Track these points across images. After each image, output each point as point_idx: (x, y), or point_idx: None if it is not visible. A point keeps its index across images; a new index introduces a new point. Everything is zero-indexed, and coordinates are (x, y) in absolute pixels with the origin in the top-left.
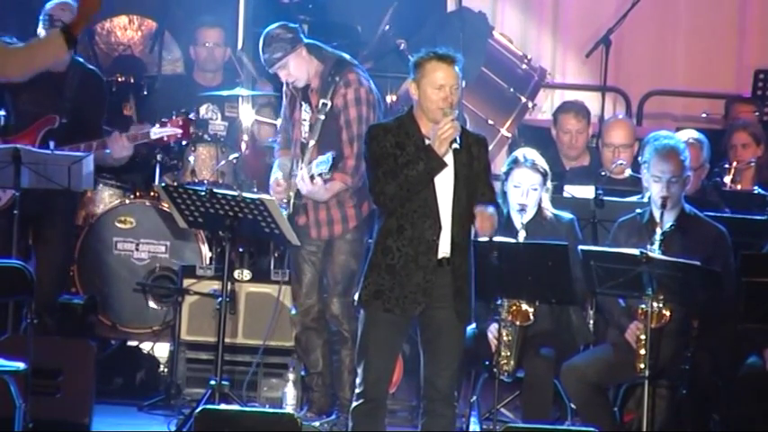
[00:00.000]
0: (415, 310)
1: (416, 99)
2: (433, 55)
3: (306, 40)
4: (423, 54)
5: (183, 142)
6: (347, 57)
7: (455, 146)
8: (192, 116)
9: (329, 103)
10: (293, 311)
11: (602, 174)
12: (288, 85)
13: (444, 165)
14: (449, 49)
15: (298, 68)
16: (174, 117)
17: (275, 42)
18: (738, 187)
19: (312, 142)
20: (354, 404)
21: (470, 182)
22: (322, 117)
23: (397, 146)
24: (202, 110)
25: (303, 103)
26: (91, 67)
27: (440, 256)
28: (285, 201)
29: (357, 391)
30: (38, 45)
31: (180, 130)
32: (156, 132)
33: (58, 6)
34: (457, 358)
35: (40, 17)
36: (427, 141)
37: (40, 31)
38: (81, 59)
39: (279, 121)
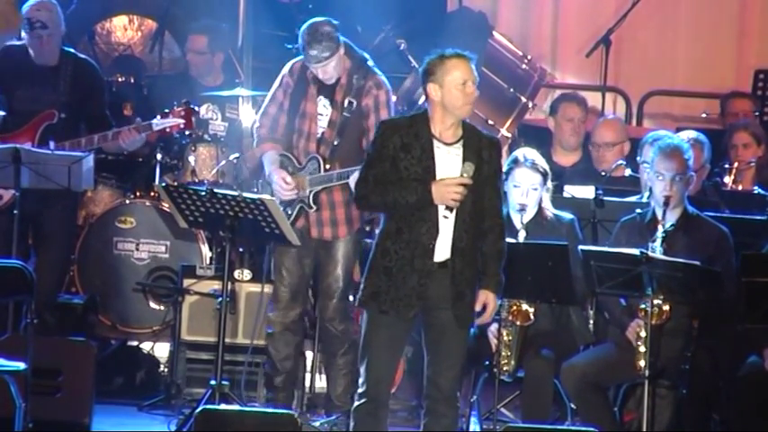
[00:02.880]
0: (410, 312)
1: (437, 100)
2: (452, 54)
3: (342, 39)
4: (439, 54)
5: (187, 132)
6: (367, 56)
7: (446, 213)
8: (194, 107)
9: (355, 102)
10: (270, 312)
11: (603, 173)
12: (293, 74)
13: (432, 206)
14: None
15: (336, 67)
16: (175, 108)
17: (326, 41)
18: (739, 187)
19: (338, 141)
20: (356, 404)
21: (477, 186)
22: (348, 115)
23: (402, 148)
24: (203, 110)
25: (323, 97)
26: (83, 56)
27: (438, 259)
28: (300, 198)
29: (359, 390)
30: None
31: (182, 120)
32: (159, 123)
33: (33, 8)
34: (460, 360)
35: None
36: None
37: (23, 35)
38: (72, 50)
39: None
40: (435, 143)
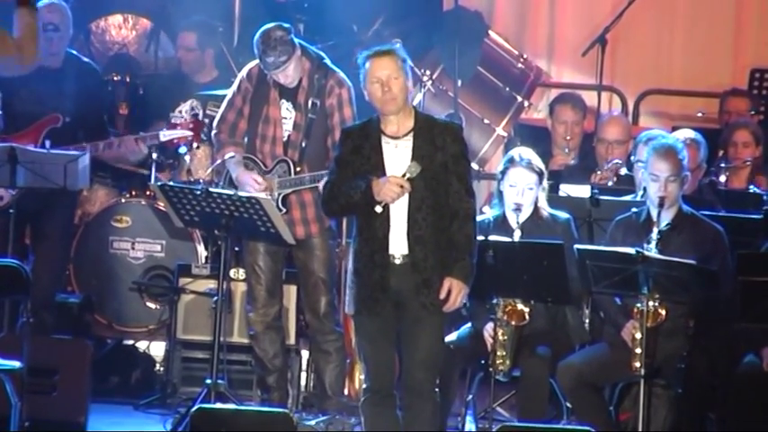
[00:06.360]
0: (377, 307)
1: (369, 100)
2: (369, 53)
3: (296, 40)
4: (361, 56)
5: (194, 144)
6: (324, 55)
7: (378, 207)
8: (200, 117)
9: (318, 102)
10: (250, 314)
11: (597, 172)
12: (251, 79)
13: (376, 204)
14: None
15: (296, 69)
16: (184, 119)
17: (280, 46)
18: (726, 182)
19: (305, 143)
20: (362, 399)
21: (433, 173)
22: (313, 116)
23: (353, 151)
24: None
25: (285, 101)
26: (86, 60)
27: (397, 253)
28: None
29: (364, 386)
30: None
31: (190, 133)
32: (166, 135)
33: (45, 9)
34: (433, 351)
35: None
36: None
37: None
38: (75, 52)
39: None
40: (384, 139)
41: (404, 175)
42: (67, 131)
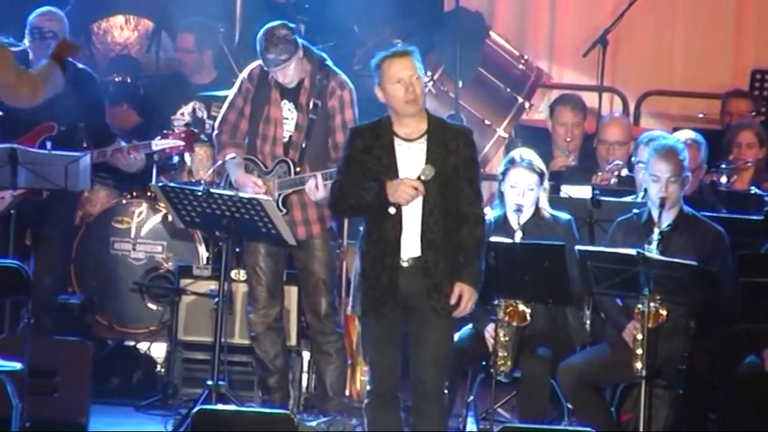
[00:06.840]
0: (385, 310)
1: (385, 102)
2: (388, 53)
3: (299, 41)
4: (379, 57)
5: (186, 155)
6: (326, 56)
7: (391, 209)
8: (204, 118)
9: (320, 103)
10: (251, 315)
11: (598, 173)
12: (252, 79)
13: (390, 206)
14: (404, 45)
15: (296, 69)
16: (176, 130)
17: (282, 44)
18: (730, 184)
19: (305, 144)
20: (365, 401)
21: (446, 177)
22: (314, 117)
23: (364, 151)
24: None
25: (287, 101)
26: (81, 66)
27: (406, 256)
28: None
29: (367, 388)
30: (42, 76)
31: (182, 143)
32: (158, 144)
33: (44, 17)
34: (441, 353)
35: (26, 30)
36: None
37: (27, 43)
38: (70, 59)
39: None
40: (397, 141)
41: (418, 178)
42: (63, 139)
